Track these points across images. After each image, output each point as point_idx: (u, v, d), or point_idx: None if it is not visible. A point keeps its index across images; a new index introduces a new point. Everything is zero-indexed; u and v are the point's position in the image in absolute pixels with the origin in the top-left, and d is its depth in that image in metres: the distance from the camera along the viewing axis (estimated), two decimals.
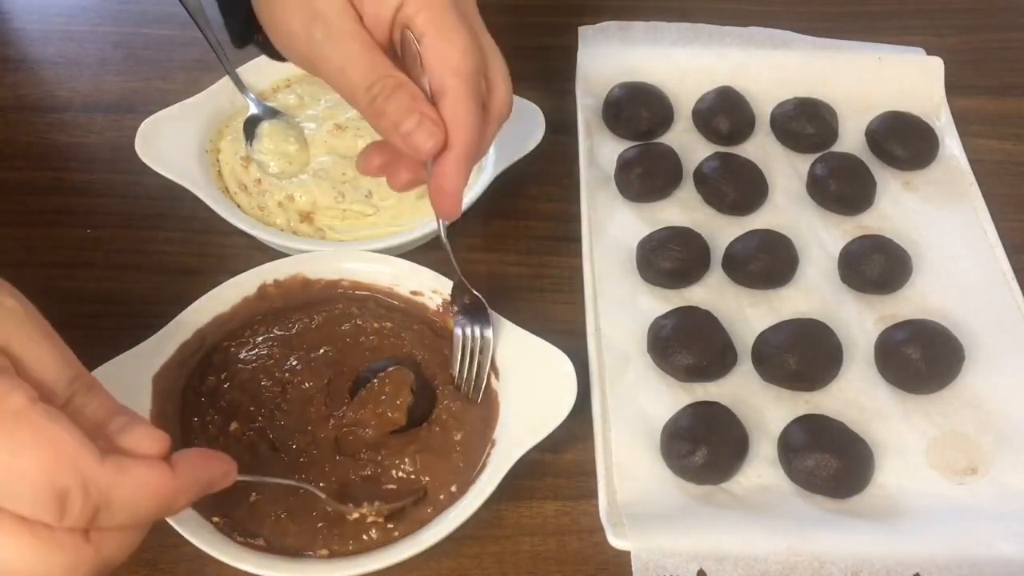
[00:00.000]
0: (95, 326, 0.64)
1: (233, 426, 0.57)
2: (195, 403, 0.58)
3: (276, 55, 0.59)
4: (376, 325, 0.61)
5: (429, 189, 0.53)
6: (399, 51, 0.53)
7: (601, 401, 0.60)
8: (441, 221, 0.56)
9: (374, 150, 0.56)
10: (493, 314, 0.59)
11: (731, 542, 0.53)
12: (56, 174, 0.75)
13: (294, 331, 0.61)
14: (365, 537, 0.53)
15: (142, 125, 0.69)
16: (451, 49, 0.50)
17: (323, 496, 0.53)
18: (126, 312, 0.65)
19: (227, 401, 0.58)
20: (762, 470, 0.58)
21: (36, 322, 0.40)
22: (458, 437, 0.57)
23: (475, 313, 0.59)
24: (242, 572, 0.51)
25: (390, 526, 0.53)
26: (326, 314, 0.62)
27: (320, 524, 0.53)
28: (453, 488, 0.55)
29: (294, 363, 0.60)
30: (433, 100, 0.51)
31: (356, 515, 0.53)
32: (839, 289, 0.67)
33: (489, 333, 0.58)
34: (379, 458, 0.56)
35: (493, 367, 0.59)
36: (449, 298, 0.60)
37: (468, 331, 0.59)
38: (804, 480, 0.57)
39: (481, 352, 0.58)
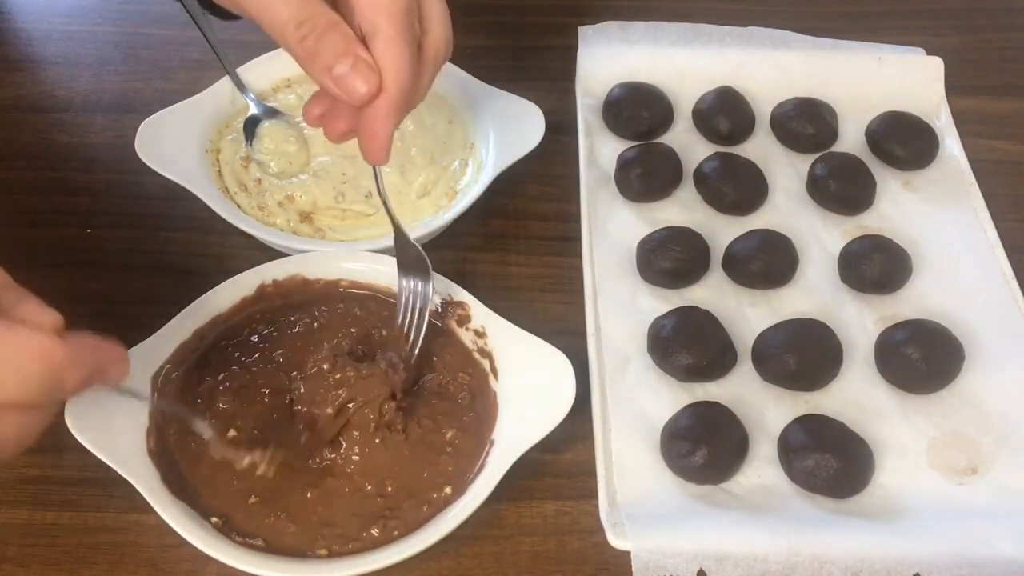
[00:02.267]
0: (95, 326, 0.63)
1: (231, 433, 0.57)
2: (193, 403, 0.58)
3: (218, 11, 0.56)
4: (376, 325, 0.61)
5: (358, 135, 0.51)
6: None
7: (601, 401, 0.60)
8: (376, 170, 0.54)
9: (316, 99, 0.53)
10: (435, 274, 0.59)
11: (731, 542, 0.53)
12: (56, 174, 0.75)
13: (293, 331, 0.61)
14: (365, 536, 0.53)
15: (142, 125, 0.69)
16: None
17: (207, 433, 0.53)
18: (126, 312, 0.65)
19: (225, 402, 0.58)
20: (762, 470, 0.58)
21: None
22: (449, 435, 0.57)
23: (418, 270, 0.59)
24: (242, 572, 0.51)
25: (386, 526, 0.53)
26: (326, 314, 0.62)
27: (320, 524, 0.53)
28: (448, 489, 0.55)
29: (292, 364, 0.60)
30: (364, 42, 0.48)
31: (247, 462, 0.53)
32: (839, 289, 0.67)
33: (429, 290, 0.58)
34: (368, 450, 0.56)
35: (493, 367, 0.59)
36: (395, 259, 0.60)
37: (410, 284, 0.58)
38: (804, 480, 0.57)
39: (420, 310, 0.58)
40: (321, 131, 0.72)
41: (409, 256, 0.59)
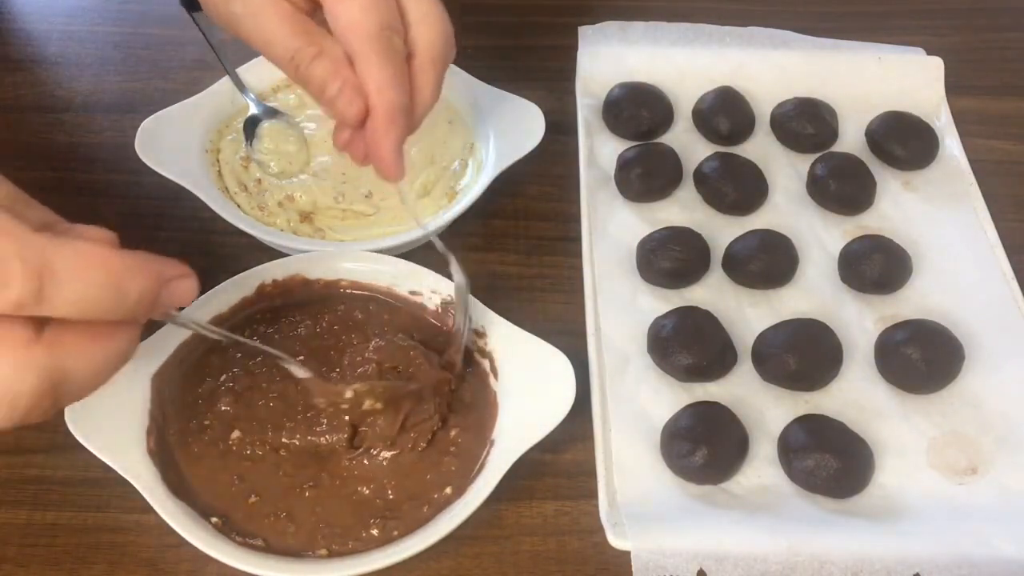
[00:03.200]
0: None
1: (234, 435, 0.56)
2: (194, 404, 0.58)
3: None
4: (376, 325, 0.61)
5: (368, 154, 0.52)
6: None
7: (601, 401, 0.60)
8: (400, 186, 0.55)
9: (341, 125, 0.54)
10: (473, 300, 0.60)
11: (731, 542, 0.53)
12: (56, 174, 0.75)
13: (293, 331, 0.61)
14: (365, 535, 0.53)
15: (142, 125, 0.69)
16: (349, 9, 0.48)
17: (302, 373, 0.54)
18: None
19: (226, 403, 0.58)
20: (762, 470, 0.58)
21: None
22: (452, 434, 0.57)
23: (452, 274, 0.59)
24: (242, 572, 0.51)
25: (386, 526, 0.53)
26: (326, 314, 0.62)
27: (320, 524, 0.53)
28: (448, 489, 0.55)
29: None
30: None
31: (350, 393, 0.54)
32: (839, 289, 0.67)
33: (468, 295, 0.59)
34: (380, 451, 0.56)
35: (493, 367, 0.59)
36: (450, 287, 0.60)
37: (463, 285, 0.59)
38: (804, 480, 0.57)
39: (464, 309, 0.59)
40: (321, 131, 0.73)
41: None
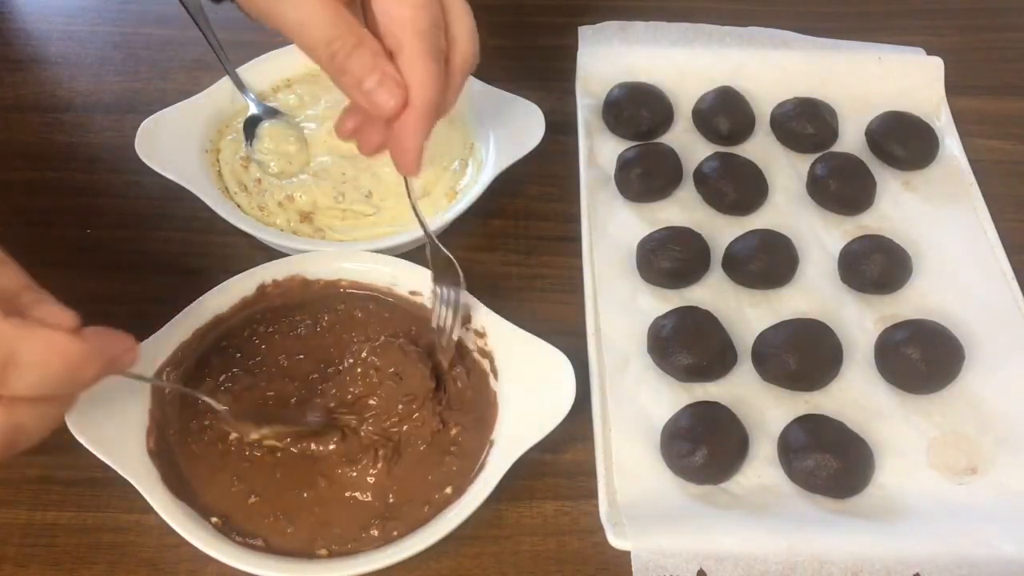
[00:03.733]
0: (95, 325, 0.64)
1: (233, 435, 0.57)
2: (194, 404, 0.58)
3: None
4: (376, 325, 0.61)
5: (390, 146, 0.52)
6: (361, 4, 0.51)
7: (601, 401, 0.60)
8: (407, 181, 0.56)
9: (348, 114, 0.55)
10: (466, 292, 0.60)
11: (731, 542, 0.53)
12: (56, 174, 0.75)
13: (293, 331, 0.61)
14: (365, 536, 0.53)
15: (142, 125, 0.69)
16: (403, 4, 0.49)
17: (218, 407, 0.55)
18: (126, 312, 0.65)
19: (225, 403, 0.58)
20: (762, 470, 0.58)
21: None
22: (453, 432, 0.57)
23: (449, 276, 0.60)
24: (241, 572, 0.51)
25: (386, 527, 0.53)
26: (326, 314, 0.62)
27: (320, 524, 0.53)
28: (448, 489, 0.55)
29: (292, 363, 0.60)
30: (390, 57, 0.49)
31: (256, 436, 0.55)
32: (839, 289, 0.67)
33: (460, 296, 0.59)
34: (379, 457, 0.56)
35: (493, 367, 0.59)
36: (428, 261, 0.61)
37: (443, 290, 0.59)
38: (804, 480, 0.57)
39: (455, 310, 0.59)
40: (321, 131, 0.73)
41: (440, 263, 0.60)
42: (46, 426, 0.42)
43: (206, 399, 0.55)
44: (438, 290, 0.60)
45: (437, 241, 0.59)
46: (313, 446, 0.56)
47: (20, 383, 0.39)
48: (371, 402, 0.57)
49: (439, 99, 0.50)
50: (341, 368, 0.59)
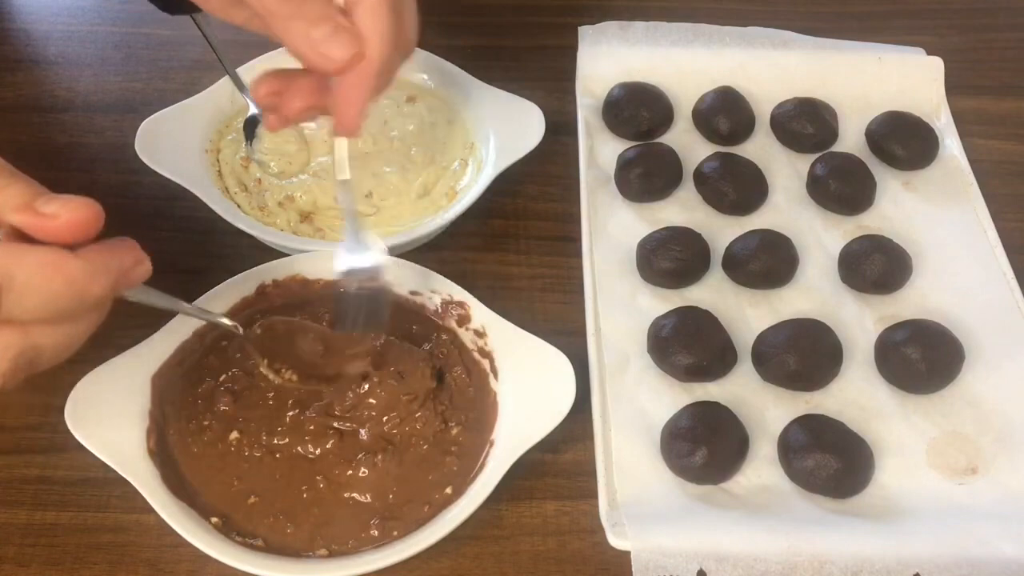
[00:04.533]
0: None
1: (233, 436, 0.57)
2: (193, 404, 0.58)
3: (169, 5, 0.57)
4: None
5: (332, 105, 0.50)
6: None
7: (601, 401, 0.60)
8: (338, 159, 0.53)
9: (267, 78, 0.52)
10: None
11: (731, 542, 0.53)
12: (56, 174, 0.75)
13: None
14: (365, 535, 0.53)
15: (142, 125, 0.69)
16: None
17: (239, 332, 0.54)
18: (126, 312, 0.65)
19: (224, 403, 0.58)
20: (762, 470, 0.58)
21: None
22: (454, 432, 0.57)
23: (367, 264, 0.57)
24: (241, 572, 0.51)
25: (386, 527, 0.53)
26: (326, 314, 0.62)
27: (319, 524, 0.53)
28: (448, 489, 0.55)
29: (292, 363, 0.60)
30: (346, 12, 0.47)
31: (272, 370, 0.55)
32: (839, 289, 0.67)
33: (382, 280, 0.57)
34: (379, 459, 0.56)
35: (493, 367, 0.59)
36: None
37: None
38: (804, 480, 0.57)
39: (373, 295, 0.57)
40: (321, 131, 0.73)
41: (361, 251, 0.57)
42: (68, 345, 0.41)
43: (224, 321, 0.54)
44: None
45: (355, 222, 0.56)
46: (311, 447, 0.56)
47: (20, 308, 0.38)
48: (371, 401, 0.57)
49: (392, 59, 0.49)
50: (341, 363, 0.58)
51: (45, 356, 0.41)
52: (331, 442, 0.56)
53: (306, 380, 0.56)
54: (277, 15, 0.47)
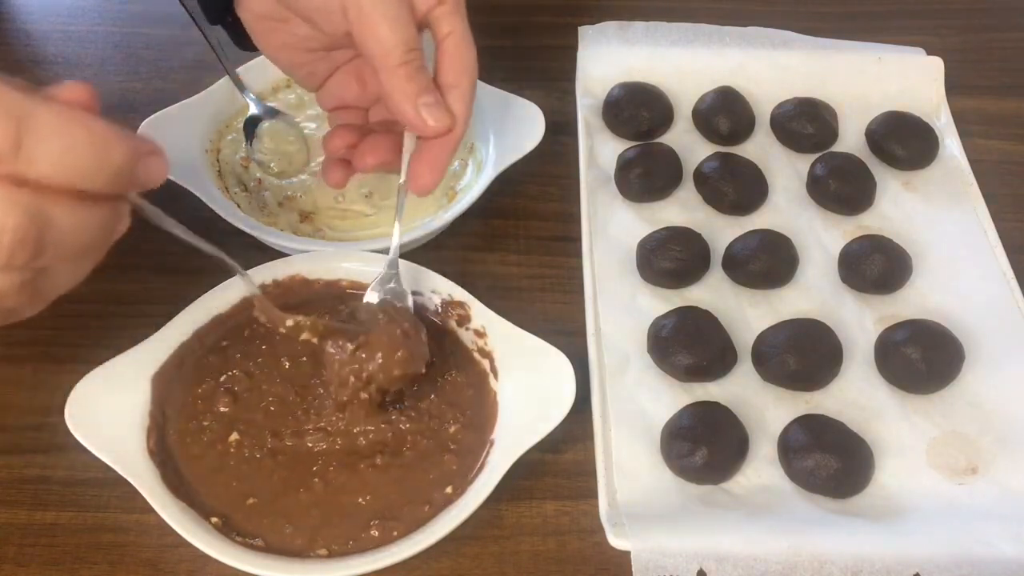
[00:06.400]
0: (95, 326, 0.64)
1: (233, 436, 0.57)
2: (193, 404, 0.58)
3: (244, 43, 0.60)
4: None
5: (415, 163, 0.56)
6: None
7: (601, 401, 0.60)
8: (400, 196, 0.58)
9: (340, 132, 0.58)
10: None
11: (731, 542, 0.53)
12: None
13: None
14: (365, 536, 0.53)
15: (142, 125, 0.69)
16: (468, 53, 0.55)
17: (252, 289, 0.53)
18: (126, 312, 0.65)
19: (224, 404, 0.58)
20: (762, 470, 0.58)
21: None
22: (452, 430, 0.57)
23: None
24: (242, 572, 0.51)
25: (386, 527, 0.53)
26: (326, 314, 0.62)
27: (319, 524, 0.53)
28: (448, 489, 0.55)
29: (293, 363, 0.60)
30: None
31: (291, 322, 0.54)
32: (839, 289, 0.67)
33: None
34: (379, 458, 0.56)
35: (493, 367, 0.59)
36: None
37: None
38: (804, 480, 0.57)
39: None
40: (321, 131, 0.73)
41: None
42: (82, 229, 0.38)
43: (231, 261, 0.52)
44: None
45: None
46: (311, 447, 0.56)
47: (39, 151, 0.35)
48: (363, 355, 0.56)
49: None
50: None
51: (58, 235, 0.37)
52: (331, 442, 0.56)
53: (329, 331, 0.56)
54: (399, 71, 0.52)
